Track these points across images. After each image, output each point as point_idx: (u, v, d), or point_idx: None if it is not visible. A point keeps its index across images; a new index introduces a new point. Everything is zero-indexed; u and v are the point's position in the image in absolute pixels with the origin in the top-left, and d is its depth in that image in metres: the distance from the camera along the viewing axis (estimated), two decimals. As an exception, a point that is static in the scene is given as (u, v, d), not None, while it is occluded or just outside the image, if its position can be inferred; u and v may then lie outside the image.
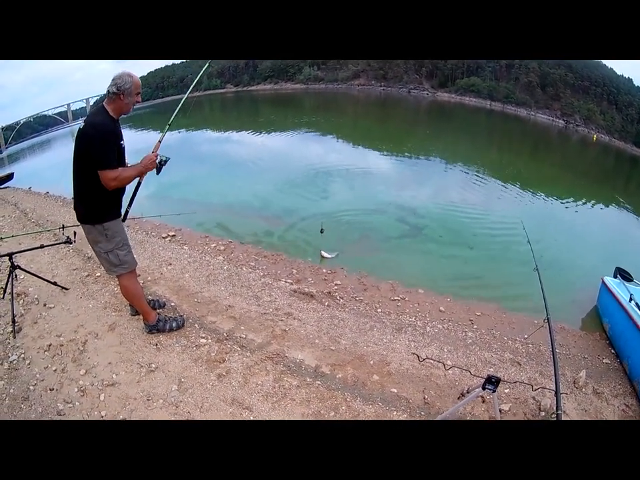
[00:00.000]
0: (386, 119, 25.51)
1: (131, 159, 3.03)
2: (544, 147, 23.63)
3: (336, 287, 4.89)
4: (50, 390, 2.85)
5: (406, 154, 14.23)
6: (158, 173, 3.06)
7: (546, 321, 2.90)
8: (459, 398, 2.99)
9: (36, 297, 3.99)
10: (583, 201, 11.35)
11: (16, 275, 3.91)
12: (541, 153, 20.64)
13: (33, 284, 4.16)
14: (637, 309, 3.77)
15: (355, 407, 2.86)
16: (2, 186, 12.60)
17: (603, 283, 4.68)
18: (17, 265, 3.75)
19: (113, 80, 2.66)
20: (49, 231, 5.90)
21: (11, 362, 3.14)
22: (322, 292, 4.61)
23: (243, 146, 15.62)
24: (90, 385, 2.88)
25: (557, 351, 3.81)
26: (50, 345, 3.29)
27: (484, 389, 2.20)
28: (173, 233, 6.33)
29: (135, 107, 2.89)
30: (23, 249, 4.16)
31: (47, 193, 9.25)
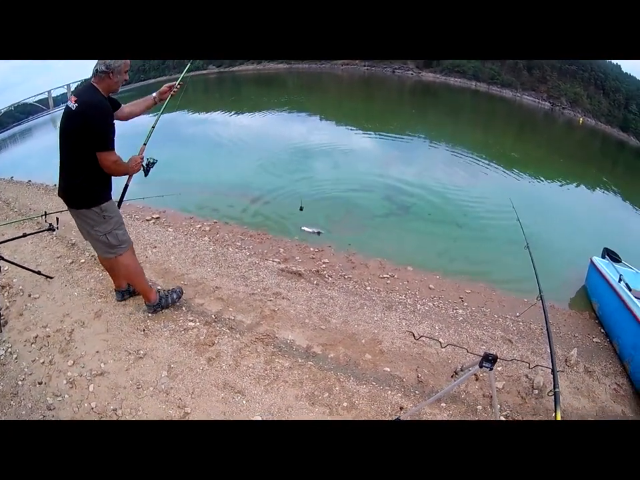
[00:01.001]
0: (370, 99, 25.21)
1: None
2: (530, 128, 23.59)
3: (324, 265, 4.84)
4: (39, 384, 2.77)
5: (391, 133, 14.03)
6: (146, 175, 3.07)
7: (539, 298, 2.87)
8: (452, 376, 2.99)
9: (20, 287, 3.87)
10: (569, 182, 11.38)
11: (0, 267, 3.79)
12: (527, 134, 20.62)
13: (17, 275, 4.02)
14: (627, 290, 3.80)
15: (348, 387, 2.83)
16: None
17: (592, 263, 4.72)
18: (1, 256, 3.62)
19: None
20: (31, 219, 5.73)
21: (-2, 357, 3.04)
22: (310, 270, 4.56)
23: (225, 127, 15.25)
24: (79, 376, 2.80)
25: (549, 329, 3.86)
26: (36, 337, 3.20)
27: (481, 366, 2.15)
28: (157, 215, 6.19)
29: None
30: (4, 239, 4.01)
31: (29, 181, 9.00)
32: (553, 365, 2.27)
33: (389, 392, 2.84)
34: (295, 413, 2.60)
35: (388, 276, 4.73)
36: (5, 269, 4.07)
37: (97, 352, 3.01)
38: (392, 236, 6.13)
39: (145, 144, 3.14)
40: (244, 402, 2.64)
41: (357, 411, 2.66)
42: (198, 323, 3.34)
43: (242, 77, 36.91)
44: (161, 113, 3.36)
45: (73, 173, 2.71)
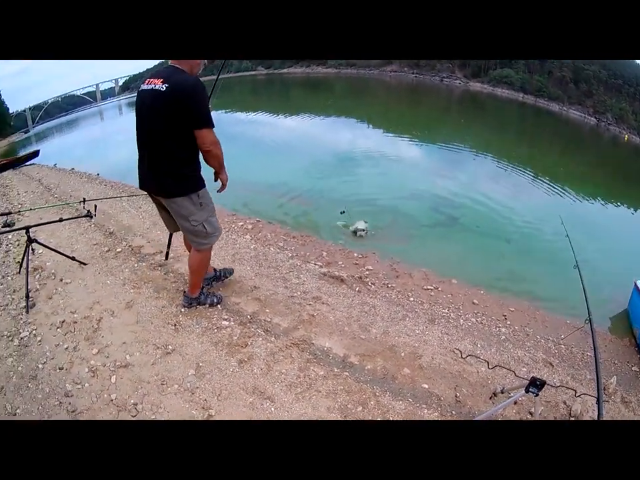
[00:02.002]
0: (418, 106, 25.18)
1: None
2: (576, 144, 23.04)
3: (367, 272, 4.68)
4: (59, 369, 2.73)
5: (439, 142, 13.87)
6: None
7: (587, 322, 2.68)
8: (490, 398, 2.79)
9: (53, 271, 3.89)
10: (614, 200, 10.97)
11: (33, 249, 3.81)
12: (572, 149, 20.16)
13: (51, 258, 4.06)
14: None
15: (384, 402, 2.65)
16: (27, 163, 12.79)
17: (636, 286, 4.40)
18: (34, 239, 3.65)
19: None
20: (70, 205, 5.84)
21: (21, 338, 3.03)
22: (353, 276, 4.40)
23: (272, 128, 15.49)
24: (102, 366, 2.74)
25: (590, 354, 3.60)
26: (63, 322, 3.18)
27: (527, 391, 2.00)
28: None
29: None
30: (40, 222, 4.06)
31: (73, 169, 9.28)
32: (598, 394, 2.15)
33: (425, 410, 2.64)
34: (325, 425, 2.46)
35: (432, 287, 4.55)
36: (40, 252, 4.11)
37: (124, 343, 2.95)
38: (438, 246, 5.99)
39: None
40: (272, 409, 2.50)
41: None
42: (232, 323, 3.24)
43: (290, 80, 37.57)
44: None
45: (165, 159, 2.59)
